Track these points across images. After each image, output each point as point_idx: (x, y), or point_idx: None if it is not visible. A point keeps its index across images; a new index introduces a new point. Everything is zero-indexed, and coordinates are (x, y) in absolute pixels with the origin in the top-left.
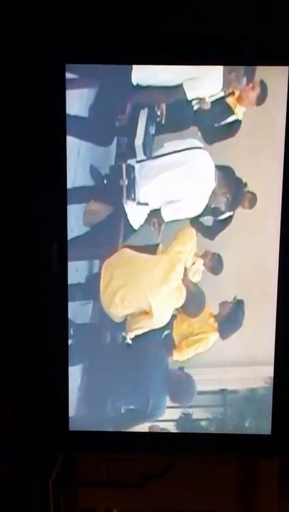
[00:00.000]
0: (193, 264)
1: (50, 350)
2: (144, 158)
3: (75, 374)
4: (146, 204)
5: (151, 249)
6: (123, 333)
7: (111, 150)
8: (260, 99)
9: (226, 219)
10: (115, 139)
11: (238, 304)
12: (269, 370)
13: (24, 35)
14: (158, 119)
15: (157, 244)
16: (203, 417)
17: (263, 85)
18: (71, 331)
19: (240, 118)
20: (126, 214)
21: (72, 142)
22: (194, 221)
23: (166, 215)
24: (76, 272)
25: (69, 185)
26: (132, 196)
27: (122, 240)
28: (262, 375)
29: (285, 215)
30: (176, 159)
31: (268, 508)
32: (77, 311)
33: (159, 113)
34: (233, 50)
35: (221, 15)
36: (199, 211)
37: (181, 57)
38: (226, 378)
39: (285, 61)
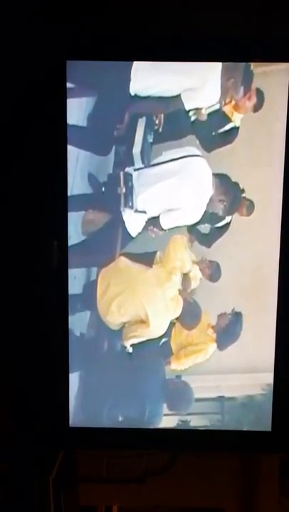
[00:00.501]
0: (191, 271)
1: (50, 348)
2: (142, 166)
3: (71, 381)
4: (144, 212)
5: (149, 257)
6: (121, 342)
7: (109, 158)
8: (257, 107)
9: (223, 226)
10: (113, 147)
11: (237, 316)
12: (267, 377)
13: (25, 32)
14: (156, 128)
15: (155, 252)
16: (201, 425)
17: (260, 93)
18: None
19: (237, 125)
20: (124, 222)
21: (70, 151)
22: (192, 229)
23: (164, 223)
24: (74, 279)
25: (68, 193)
26: (130, 204)
27: (119, 247)
28: (260, 382)
29: (285, 224)
30: (174, 167)
31: (268, 505)
32: (75, 318)
33: (157, 122)
34: (233, 47)
35: (221, 13)
36: (197, 219)
37: (181, 53)
38: (223, 385)
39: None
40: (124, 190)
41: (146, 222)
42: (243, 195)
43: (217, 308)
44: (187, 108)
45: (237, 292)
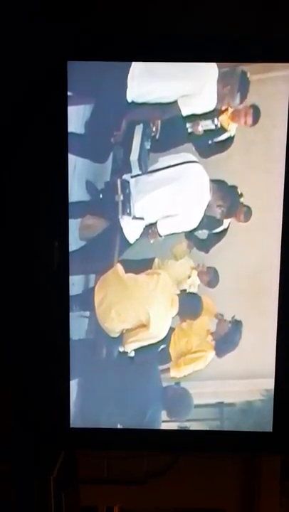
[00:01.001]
0: (189, 277)
1: (51, 349)
2: (140, 173)
3: (71, 385)
4: (142, 218)
5: (147, 263)
6: (120, 348)
7: (107, 166)
8: (254, 121)
9: (220, 232)
10: (111, 154)
11: (236, 323)
12: (266, 383)
13: (25, 33)
14: (153, 135)
15: (153, 259)
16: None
17: (256, 109)
18: None
19: (232, 134)
20: (122, 229)
21: (68, 158)
22: (189, 235)
23: (162, 229)
24: (73, 285)
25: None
26: (128, 211)
27: (117, 254)
28: (259, 387)
29: (285, 229)
30: (171, 174)
31: (269, 505)
32: (74, 324)
33: (154, 129)
34: (233, 47)
35: (221, 14)
36: (195, 225)
37: (180, 54)
38: (222, 391)
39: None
40: (121, 197)
41: (144, 228)
42: (241, 201)
43: (216, 315)
44: (184, 114)
45: (235, 298)
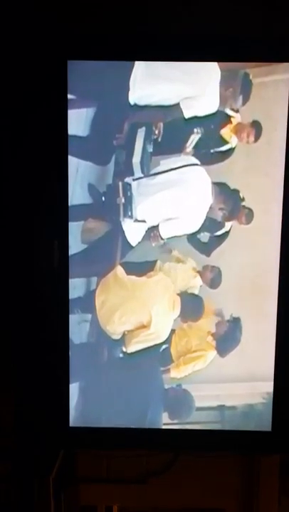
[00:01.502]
0: (191, 279)
1: (51, 349)
2: (142, 176)
3: (72, 386)
4: (144, 221)
5: (149, 266)
6: (122, 349)
7: (109, 168)
8: (256, 139)
9: (222, 234)
10: (113, 157)
11: (236, 322)
12: (267, 386)
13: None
14: (155, 138)
15: (155, 261)
16: None
17: (258, 125)
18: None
19: (233, 146)
20: (124, 231)
21: (70, 161)
22: (191, 237)
23: (164, 232)
24: (74, 288)
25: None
26: (130, 214)
27: (119, 257)
28: (260, 390)
29: (285, 231)
30: (173, 177)
31: (269, 504)
32: (75, 327)
33: (156, 132)
34: (234, 47)
35: (223, 13)
36: (196, 228)
37: (182, 53)
38: (223, 394)
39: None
40: (123, 200)
41: (146, 231)
42: (243, 203)
43: (217, 316)
44: (186, 116)
45: (236, 300)
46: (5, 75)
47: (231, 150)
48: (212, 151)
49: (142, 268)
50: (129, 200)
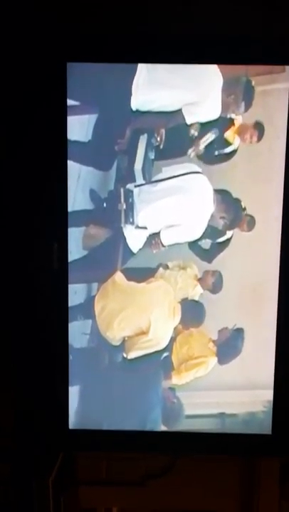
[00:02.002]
0: (192, 286)
1: (51, 352)
2: (144, 182)
3: (71, 390)
4: (145, 228)
5: (150, 272)
6: (122, 355)
7: (111, 174)
8: (259, 139)
9: (223, 242)
10: (115, 163)
11: (238, 331)
12: (268, 394)
13: (23, 33)
14: (157, 144)
15: (156, 268)
16: None
17: (260, 126)
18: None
19: (236, 147)
20: (125, 238)
21: (72, 166)
22: (193, 244)
23: (165, 239)
24: (75, 294)
25: (69, 209)
26: (131, 220)
27: (120, 263)
28: (261, 398)
29: (285, 239)
30: (175, 184)
31: (268, 508)
32: (75, 332)
33: (158, 138)
34: (236, 48)
35: (223, 15)
36: (198, 235)
37: (183, 56)
38: (224, 402)
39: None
40: (124, 206)
41: (148, 238)
42: (244, 211)
43: (218, 324)
44: (188, 122)
45: (238, 307)
46: (2, 76)
47: (234, 152)
48: (216, 153)
49: (142, 274)
50: (130, 207)
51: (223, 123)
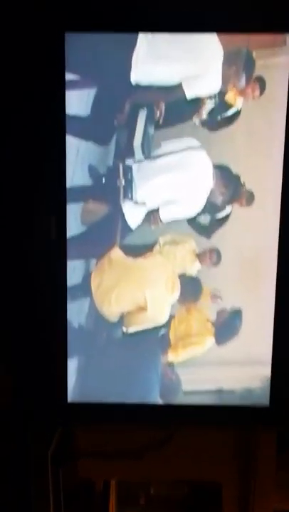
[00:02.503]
0: (191, 262)
1: (49, 326)
2: (142, 158)
3: (69, 368)
4: (144, 204)
5: (148, 248)
6: (119, 330)
7: (109, 150)
8: (261, 91)
9: (223, 218)
10: (114, 137)
11: (236, 311)
12: (266, 370)
13: (18, 3)
14: (156, 119)
15: (154, 244)
16: None
17: (261, 80)
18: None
19: (239, 108)
20: (123, 214)
21: (71, 142)
22: (192, 221)
23: (164, 216)
24: (73, 271)
25: (68, 184)
26: (130, 196)
27: (119, 239)
28: (259, 374)
29: (283, 214)
30: (174, 160)
31: (266, 478)
32: (73, 309)
33: (158, 113)
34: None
35: None
36: (197, 211)
37: (182, 25)
38: (221, 378)
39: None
40: (123, 182)
41: (146, 214)
42: (244, 185)
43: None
44: (188, 97)
45: (236, 283)
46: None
47: (237, 113)
48: (219, 117)
49: (140, 250)
50: (129, 183)
51: (222, 92)
